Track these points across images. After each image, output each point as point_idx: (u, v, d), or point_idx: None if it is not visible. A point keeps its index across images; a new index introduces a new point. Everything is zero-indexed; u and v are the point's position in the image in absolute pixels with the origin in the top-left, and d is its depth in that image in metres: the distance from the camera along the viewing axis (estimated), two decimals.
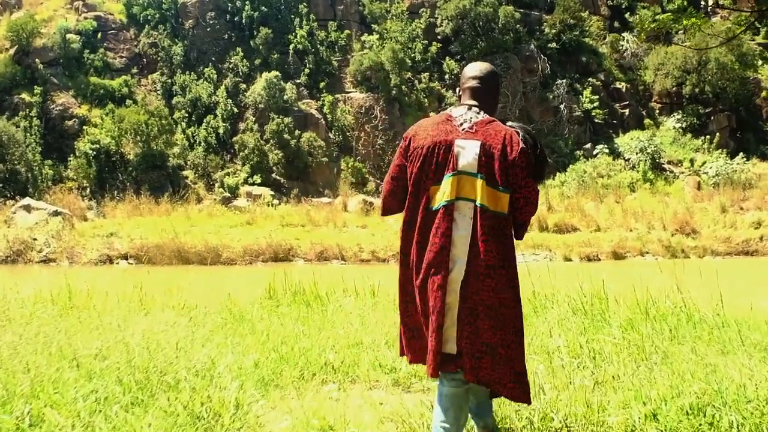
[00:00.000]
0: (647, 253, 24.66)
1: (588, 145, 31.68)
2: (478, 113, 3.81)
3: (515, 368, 3.71)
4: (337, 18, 33.44)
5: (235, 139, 29.64)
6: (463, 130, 3.72)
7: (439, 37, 32.77)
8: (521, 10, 33.71)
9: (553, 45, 33.54)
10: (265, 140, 29.40)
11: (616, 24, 36.63)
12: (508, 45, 32.42)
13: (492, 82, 3.93)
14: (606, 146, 31.45)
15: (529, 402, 3.78)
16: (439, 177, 3.66)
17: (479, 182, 3.61)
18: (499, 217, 3.64)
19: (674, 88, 34.02)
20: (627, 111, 33.91)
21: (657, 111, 34.69)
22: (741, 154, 31.57)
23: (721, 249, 25.37)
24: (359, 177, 29.58)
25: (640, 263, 23.49)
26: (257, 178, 28.76)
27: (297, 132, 29.56)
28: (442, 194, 3.64)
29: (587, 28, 34.69)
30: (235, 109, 30.47)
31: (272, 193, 28.34)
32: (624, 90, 34.51)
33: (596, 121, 32.78)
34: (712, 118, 33.57)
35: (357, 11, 33.77)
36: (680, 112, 33.89)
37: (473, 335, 3.61)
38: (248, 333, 6.82)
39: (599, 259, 24.22)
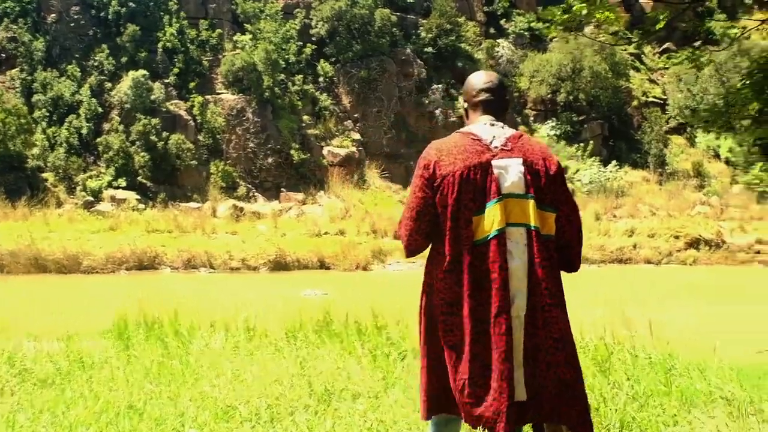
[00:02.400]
0: None
1: None
2: (503, 128, 3.73)
3: (586, 404, 3.67)
4: (209, 16, 34.74)
5: (99, 140, 30.36)
6: (496, 148, 3.62)
7: (313, 38, 34.63)
8: (398, 14, 35.96)
9: (430, 49, 35.90)
10: (131, 142, 30.28)
11: (491, 30, 39.48)
12: (384, 48, 34.56)
13: (503, 91, 3.88)
14: None
15: None
16: (480, 205, 3.54)
17: (530, 203, 3.54)
18: (551, 240, 3.61)
19: (549, 96, 37.21)
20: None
21: (532, 118, 37.82)
22: (614, 162, 34.95)
23: (595, 257, 27.72)
24: (229, 181, 30.85)
25: None
26: (122, 182, 29.60)
27: (165, 134, 30.54)
28: (490, 223, 3.52)
29: (463, 34, 37.13)
30: (100, 109, 31.25)
31: (138, 197, 29.22)
32: None
33: None
34: (585, 125, 36.84)
35: (229, 10, 35.18)
36: (554, 119, 37.13)
37: (545, 372, 3.53)
38: (83, 394, 5.76)
39: None
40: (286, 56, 33.94)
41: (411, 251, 3.79)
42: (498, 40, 39.36)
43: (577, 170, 34.87)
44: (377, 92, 34.38)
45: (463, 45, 37.43)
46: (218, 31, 34.50)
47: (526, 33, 39.68)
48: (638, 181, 35.46)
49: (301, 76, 34.00)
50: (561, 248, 3.70)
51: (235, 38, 34.37)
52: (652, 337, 7.04)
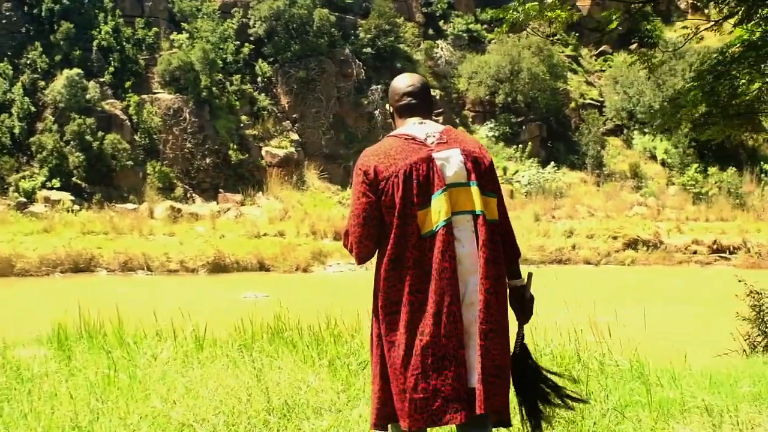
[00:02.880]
0: None
1: None
2: (433, 124, 3.84)
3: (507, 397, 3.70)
4: (145, 14, 34.61)
5: (32, 139, 30.13)
6: (432, 143, 3.71)
7: (251, 38, 34.81)
8: (336, 14, 36.33)
9: (368, 50, 36.30)
10: (65, 142, 30.09)
11: (430, 31, 40.01)
12: (323, 48, 34.89)
13: (427, 93, 3.97)
14: None
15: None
16: (425, 199, 3.62)
17: (474, 189, 3.64)
18: (496, 224, 3.69)
19: (487, 97, 37.80)
20: (441, 119, 36.21)
21: (470, 119, 38.47)
22: (552, 163, 35.65)
23: (535, 258, 28.36)
24: (166, 182, 30.91)
25: None
26: (56, 182, 29.42)
27: (100, 134, 30.43)
28: (437, 214, 3.60)
29: (402, 35, 37.68)
30: (33, 108, 30.96)
31: (72, 198, 29.02)
32: (438, 97, 37.32)
33: None
34: (524, 127, 37.52)
35: (166, 8, 35.15)
36: (493, 120, 37.74)
37: (484, 357, 3.57)
38: (23, 411, 5.39)
39: None
40: (224, 56, 34.03)
41: (362, 258, 3.81)
42: (437, 42, 39.85)
43: (516, 171, 35.53)
44: (316, 92, 34.75)
45: (401, 46, 37.91)
46: (155, 29, 34.39)
47: (464, 35, 40.32)
48: (576, 182, 36.20)
49: (239, 75, 34.12)
50: (502, 234, 3.77)
51: (171, 37, 34.28)
52: (614, 343, 7.10)
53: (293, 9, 34.61)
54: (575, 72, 41.79)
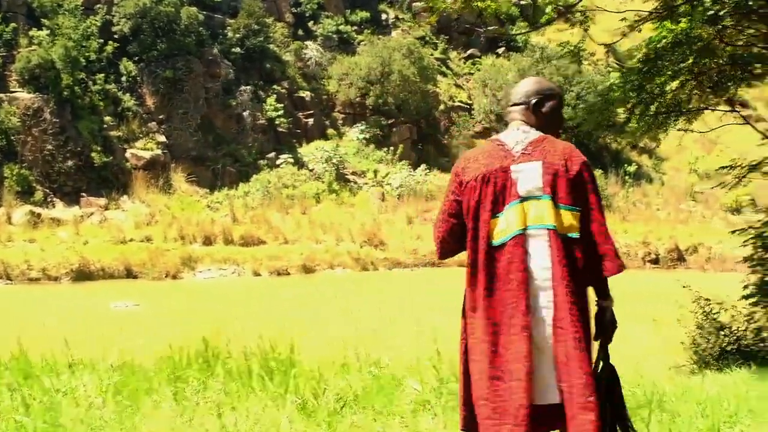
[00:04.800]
0: (338, 266, 27.69)
1: (272, 155, 34.78)
2: (528, 131, 3.91)
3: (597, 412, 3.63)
4: (2, 9, 33.46)
5: None
6: (517, 153, 3.82)
7: (116, 36, 34.21)
8: (204, 12, 36.15)
9: (237, 50, 36.38)
10: None
11: (300, 32, 40.41)
12: (191, 48, 34.71)
13: (540, 97, 4.01)
14: (290, 156, 34.84)
15: None
16: (498, 208, 3.74)
17: (548, 204, 3.70)
18: (575, 240, 3.72)
19: (358, 99, 38.40)
20: (311, 120, 37.56)
21: (341, 121, 38.94)
22: (423, 165, 36.35)
23: (409, 260, 29.02)
24: (25, 186, 30.04)
25: (331, 276, 26.54)
26: None
27: None
28: (508, 225, 3.71)
29: (271, 35, 37.95)
30: None
31: None
32: (308, 99, 38.18)
33: (280, 129, 36.03)
34: (394, 129, 38.28)
35: (25, 3, 34.08)
36: (364, 122, 38.25)
37: (572, 374, 3.59)
38: None
39: (288, 274, 26.61)
40: (87, 54, 33.37)
41: (442, 254, 4.04)
42: (306, 42, 40.31)
43: (387, 174, 36.16)
44: (183, 93, 34.54)
45: (271, 46, 38.14)
46: (12, 25, 33.27)
47: (334, 36, 40.89)
48: (447, 184, 36.93)
49: (103, 75, 33.55)
50: (588, 247, 3.78)
51: (31, 33, 33.30)
52: None
53: (160, 6, 34.30)
54: (445, 75, 42.91)
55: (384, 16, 44.05)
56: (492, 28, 42.41)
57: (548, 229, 3.70)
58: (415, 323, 15.60)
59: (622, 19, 12.39)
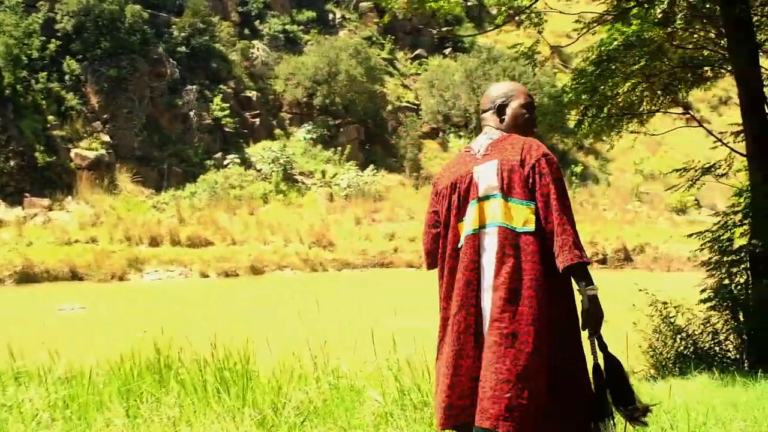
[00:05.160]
0: (286, 267, 27.62)
1: (218, 155, 34.54)
2: (493, 134, 3.98)
3: (540, 405, 3.61)
4: None
5: None
6: (480, 155, 3.90)
7: (59, 33, 33.69)
8: (149, 11, 35.78)
9: (183, 49, 36.11)
10: None
11: (246, 31, 40.26)
12: (135, 46, 34.39)
13: (500, 100, 4.06)
14: (237, 156, 34.65)
15: None
16: (464, 212, 3.83)
17: (499, 201, 3.73)
18: (524, 234, 3.70)
19: (305, 99, 38.39)
20: (258, 120, 37.45)
21: (288, 121, 38.84)
22: (371, 166, 36.51)
23: (357, 262, 29.08)
24: None
25: (280, 278, 26.43)
26: None
27: None
28: (468, 225, 3.79)
29: (217, 34, 37.80)
30: None
31: None
32: (254, 99, 38.11)
33: (227, 129, 35.86)
34: (342, 129, 38.36)
35: None
36: (311, 122, 38.27)
37: (485, 369, 3.61)
38: None
39: (237, 275, 26.53)
40: (29, 52, 32.81)
41: (430, 263, 4.13)
42: (253, 42, 40.20)
43: (335, 174, 36.19)
44: (128, 92, 34.19)
45: (217, 45, 37.98)
46: None
47: (281, 35, 40.86)
48: (395, 185, 37.23)
49: (46, 73, 33.02)
50: (545, 241, 3.74)
51: None
52: None
53: (104, 4, 33.90)
54: (392, 75, 43.05)
55: (331, 16, 44.12)
56: (446, 29, 42.65)
57: (499, 226, 3.74)
58: (372, 327, 15.64)
59: (576, 21, 12.55)
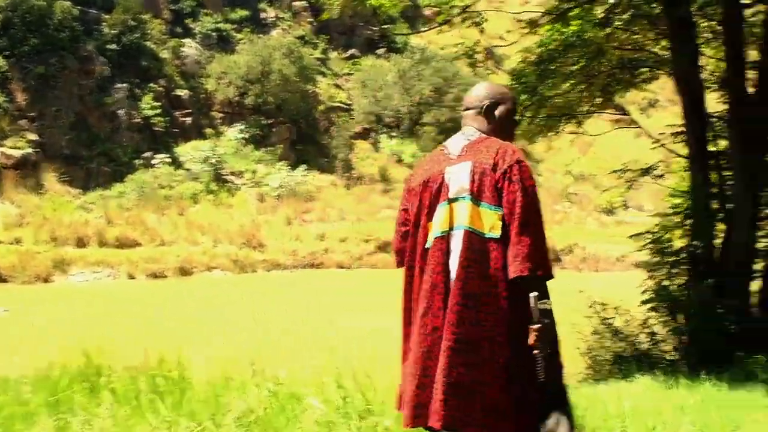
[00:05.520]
0: (215, 268, 27.60)
1: (148, 154, 34.19)
2: (473, 135, 3.91)
3: (491, 407, 3.59)
4: None
5: None
6: (454, 155, 3.84)
7: None
8: (79, 7, 35.31)
9: (113, 46, 35.78)
10: None
11: (178, 29, 40.08)
12: (64, 43, 33.89)
13: (490, 106, 3.99)
14: (167, 156, 34.35)
15: None
16: (434, 211, 3.79)
17: (468, 204, 3.69)
18: (488, 239, 3.65)
19: (237, 98, 38.39)
20: (189, 119, 37.34)
21: (219, 120, 38.83)
22: (303, 166, 36.60)
23: (288, 262, 29.11)
24: None
25: (209, 279, 26.43)
26: None
27: None
28: (436, 226, 3.74)
29: (149, 31, 37.46)
30: None
31: None
32: (185, 98, 37.94)
33: (156, 128, 35.60)
34: (274, 129, 38.49)
35: None
36: (242, 122, 38.29)
37: (439, 374, 3.59)
38: None
39: (165, 276, 26.30)
40: None
41: (398, 261, 4.02)
42: (184, 40, 40.08)
43: (267, 174, 36.24)
44: (56, 90, 33.75)
45: (148, 43, 37.71)
46: None
47: (213, 34, 40.76)
48: (326, 185, 37.45)
49: None
50: (504, 249, 3.65)
51: None
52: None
53: (32, 0, 33.45)
54: (324, 75, 43.17)
55: (264, 15, 44.10)
56: (390, 26, 42.80)
57: (465, 229, 3.66)
58: (310, 330, 15.72)
59: (518, 21, 12.78)
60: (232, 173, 36.17)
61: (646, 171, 12.86)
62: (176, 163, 35.06)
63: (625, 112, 14.58)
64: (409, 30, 44.11)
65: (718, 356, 9.35)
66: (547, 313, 3.59)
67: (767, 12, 11.02)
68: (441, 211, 3.75)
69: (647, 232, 11.53)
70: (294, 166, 37.01)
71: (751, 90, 10.82)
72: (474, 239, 3.64)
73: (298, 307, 20.14)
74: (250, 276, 27.94)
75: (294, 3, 44.39)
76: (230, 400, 5.81)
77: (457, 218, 3.70)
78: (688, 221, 11.28)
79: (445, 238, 3.70)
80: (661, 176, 12.98)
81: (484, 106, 3.97)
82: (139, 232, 29.10)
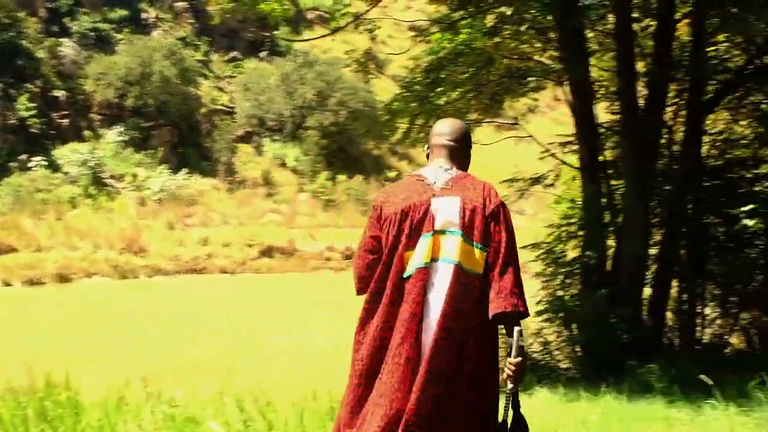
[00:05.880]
0: (95, 274, 26.78)
1: (23, 157, 33.15)
2: (450, 169, 3.97)
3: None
4: None
5: None
6: (438, 187, 3.88)
7: None
8: None
9: None
10: None
11: (55, 28, 38.89)
12: None
13: (467, 140, 4.13)
14: (44, 158, 33.33)
15: None
16: (414, 241, 3.78)
17: (458, 239, 3.74)
18: (473, 276, 3.74)
19: (116, 100, 37.44)
20: (66, 121, 36.30)
21: (98, 123, 37.76)
22: (185, 169, 36.11)
23: (170, 267, 28.49)
24: None
25: (90, 285, 25.57)
26: None
27: None
28: (419, 257, 3.75)
29: (24, 30, 36.33)
30: None
31: None
32: (63, 99, 36.84)
33: (32, 130, 34.49)
34: (154, 132, 37.66)
35: None
36: (122, 124, 37.32)
37: (411, 407, 3.61)
38: None
39: (43, 283, 25.36)
40: None
41: (361, 288, 3.97)
42: (61, 39, 38.89)
43: (148, 177, 35.56)
44: None
45: (23, 42, 36.54)
46: None
47: (91, 33, 39.78)
48: (209, 189, 36.93)
49: None
50: (486, 288, 3.77)
51: None
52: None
53: None
54: (206, 77, 42.70)
55: (144, 15, 43.26)
56: (276, 31, 42.58)
57: (455, 264, 3.73)
58: (200, 340, 15.41)
59: (410, 28, 12.90)
60: (112, 177, 35.33)
61: (536, 180, 13.11)
62: (53, 166, 34.00)
63: (516, 121, 14.87)
64: (293, 34, 44.06)
65: (611, 366, 9.56)
66: (523, 350, 3.75)
67: (657, 26, 11.36)
68: (424, 242, 3.78)
69: (542, 242, 11.81)
70: (175, 169, 36.42)
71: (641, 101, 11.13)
72: (461, 274, 3.73)
73: (188, 317, 19.79)
74: (132, 282, 27.34)
75: (175, 3, 43.72)
76: (124, 426, 5.52)
77: (444, 251, 3.76)
78: (581, 232, 11.54)
79: (426, 269, 3.74)
80: (551, 185, 13.26)
81: (467, 143, 4.14)
82: (14, 237, 28.12)
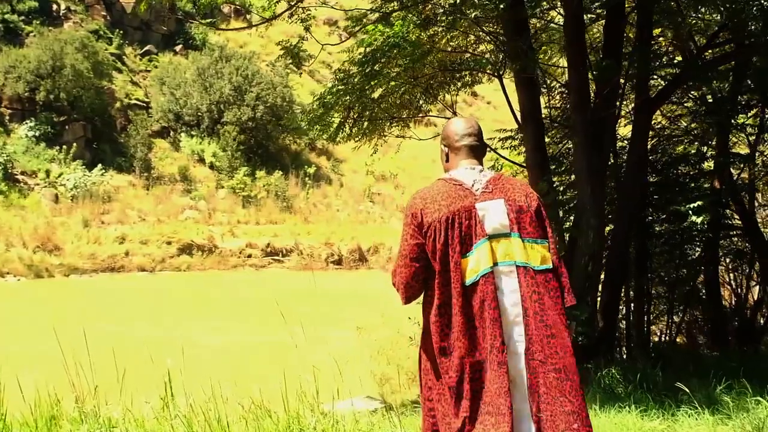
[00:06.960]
0: (8, 273, 26.54)
1: None
2: (483, 170, 4.02)
3: None
4: None
5: None
6: (478, 191, 3.91)
7: None
8: None
9: None
10: None
11: None
12: None
13: (482, 135, 4.16)
14: None
15: None
16: (467, 248, 3.80)
17: (516, 241, 3.82)
18: (548, 272, 3.86)
19: (27, 94, 36.60)
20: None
21: (8, 117, 36.84)
22: (99, 165, 35.63)
23: (86, 266, 28.50)
24: None
25: (3, 285, 25.31)
26: None
27: None
28: (477, 264, 3.78)
29: None
30: None
31: None
32: None
33: None
34: (67, 127, 36.97)
35: None
36: (33, 119, 36.57)
37: (554, 404, 3.70)
38: None
39: None
40: None
41: (408, 298, 4.00)
42: None
43: (61, 174, 34.96)
44: None
45: None
46: None
47: None
48: (125, 185, 36.53)
49: None
50: (559, 278, 3.93)
51: None
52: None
53: None
54: (120, 71, 41.99)
55: (55, 7, 42.26)
56: (206, 23, 41.97)
57: (517, 265, 3.80)
58: (132, 344, 14.99)
59: (347, 18, 12.79)
60: (24, 173, 34.60)
61: None
62: None
63: (454, 112, 14.83)
64: (211, 25, 43.49)
65: None
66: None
67: (607, 18, 11.37)
68: (482, 247, 3.81)
69: None
70: (90, 165, 35.89)
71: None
72: (531, 273, 3.82)
73: (113, 319, 19.38)
74: (48, 282, 26.89)
75: None
76: None
77: (504, 254, 3.82)
78: None
79: (490, 276, 3.77)
80: None
81: (482, 137, 4.15)
82: None
